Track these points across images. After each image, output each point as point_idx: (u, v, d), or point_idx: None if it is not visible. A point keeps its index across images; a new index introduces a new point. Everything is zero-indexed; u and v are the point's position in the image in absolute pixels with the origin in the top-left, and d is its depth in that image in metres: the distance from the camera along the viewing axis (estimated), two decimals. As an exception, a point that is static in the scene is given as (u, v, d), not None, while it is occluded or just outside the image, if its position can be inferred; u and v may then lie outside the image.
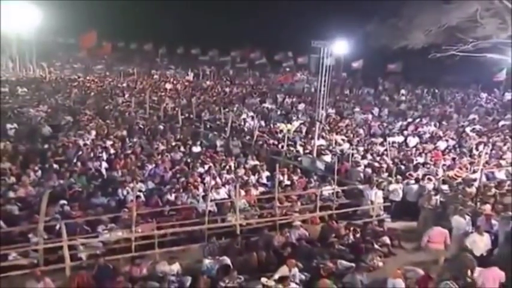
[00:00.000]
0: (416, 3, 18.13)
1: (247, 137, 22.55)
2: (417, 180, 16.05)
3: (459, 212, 13.10)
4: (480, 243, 12.21)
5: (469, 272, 10.60)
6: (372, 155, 19.99)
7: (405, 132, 25.44)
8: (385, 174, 17.03)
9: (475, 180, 16.12)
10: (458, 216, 12.99)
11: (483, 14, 18.61)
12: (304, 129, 25.61)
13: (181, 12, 67.01)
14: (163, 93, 37.54)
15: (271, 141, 21.59)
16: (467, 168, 18.45)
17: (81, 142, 20.12)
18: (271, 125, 26.31)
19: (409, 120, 29.23)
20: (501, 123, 29.01)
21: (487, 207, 13.84)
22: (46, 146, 19.51)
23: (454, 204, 13.87)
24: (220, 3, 64.09)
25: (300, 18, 55.28)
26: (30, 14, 46.53)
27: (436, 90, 43.99)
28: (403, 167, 17.77)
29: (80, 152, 18.72)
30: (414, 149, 21.85)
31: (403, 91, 43.68)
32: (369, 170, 17.53)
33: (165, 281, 10.66)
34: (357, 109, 33.30)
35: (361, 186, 15.97)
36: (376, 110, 32.92)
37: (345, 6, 46.50)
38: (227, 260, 11.52)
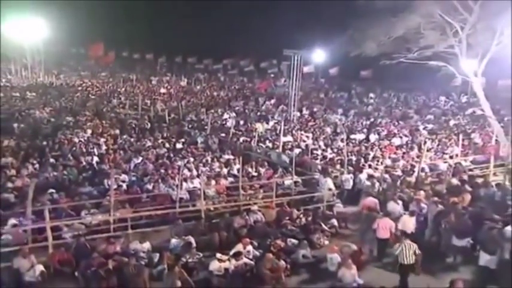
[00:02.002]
0: (369, 17, 18.66)
1: (223, 135, 22.93)
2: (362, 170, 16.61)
3: (393, 198, 13.60)
4: (410, 224, 12.77)
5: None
6: (332, 149, 20.47)
7: (365, 131, 25.90)
8: (339, 166, 17.48)
9: (414, 170, 16.68)
10: (393, 202, 13.49)
11: (425, 26, 19.11)
12: (278, 128, 26.02)
13: (180, 25, 67.90)
14: (158, 97, 37.80)
15: (243, 138, 22.03)
16: (413, 159, 19.00)
17: (76, 139, 20.50)
18: (249, 124, 26.69)
19: (372, 120, 29.73)
20: (451, 122, 29.68)
21: (421, 194, 14.29)
22: (44, 142, 19.87)
23: (391, 191, 14.34)
24: (215, 17, 65.32)
25: (284, 31, 55.88)
26: (45, 27, 47.52)
27: (401, 94, 44.73)
28: (354, 160, 18.20)
29: (74, 148, 19.09)
30: (370, 145, 22.30)
31: (371, 95, 44.32)
32: (326, 162, 18.01)
33: (135, 256, 11.10)
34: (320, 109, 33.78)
35: (316, 176, 16.43)
36: (342, 111, 33.35)
37: (321, 21, 47.36)
38: (191, 239, 11.98)
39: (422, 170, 17.05)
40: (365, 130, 26.20)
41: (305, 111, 32.97)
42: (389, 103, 40.71)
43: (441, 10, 18.84)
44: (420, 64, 21.69)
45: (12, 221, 12.22)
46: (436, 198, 13.25)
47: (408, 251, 10.43)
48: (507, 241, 11.30)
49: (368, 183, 15.34)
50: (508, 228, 11.53)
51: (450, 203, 13.12)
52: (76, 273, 10.60)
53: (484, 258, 11.21)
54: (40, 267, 10.62)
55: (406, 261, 10.43)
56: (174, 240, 12.06)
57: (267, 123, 26.80)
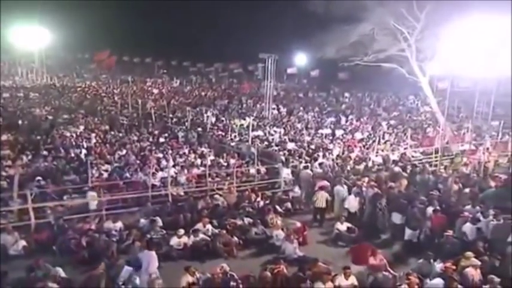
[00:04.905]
0: (327, 25, 19.49)
1: (199, 129, 23.56)
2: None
3: (339, 182, 14.37)
4: (354, 203, 13.68)
5: None
6: (296, 143, 21.16)
7: (332, 126, 26.63)
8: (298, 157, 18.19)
9: (364, 159, 17.47)
10: (339, 186, 14.26)
11: (378, 33, 19.91)
12: (254, 124, 26.63)
13: (177, 32, 68.85)
14: (150, 97, 38.29)
15: (219, 133, 22.72)
16: (367, 151, 19.75)
17: (68, 134, 21.12)
18: (228, 121, 27.32)
19: (340, 116, 30.43)
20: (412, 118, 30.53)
21: (365, 180, 15.06)
22: (39, 137, 20.49)
23: (339, 177, 15.09)
24: (208, 25, 66.37)
25: (269, 38, 56.69)
26: (52, 34, 48.49)
27: (373, 94, 45.45)
28: (311, 151, 18.93)
29: (65, 142, 19.73)
30: (335, 138, 23.01)
31: (346, 94, 45.04)
32: (288, 154, 18.73)
33: (106, 233, 11.85)
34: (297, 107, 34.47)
35: (276, 166, 17.14)
36: (316, 109, 34.03)
37: (294, 28, 48.32)
38: (157, 219, 12.69)
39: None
40: (332, 126, 26.92)
41: (282, 109, 33.68)
42: (362, 102, 41.49)
43: (392, 18, 19.58)
44: (380, 66, 22.45)
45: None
46: (373, 183, 14.00)
47: (321, 198, 13.64)
48: (428, 219, 12.15)
49: (320, 170, 16.09)
50: (430, 208, 12.39)
51: (386, 187, 13.93)
52: (54, 248, 11.34)
53: (408, 233, 12.05)
54: (23, 243, 11.38)
55: (320, 205, 13.71)
56: (142, 220, 12.77)
57: (244, 119, 27.42)
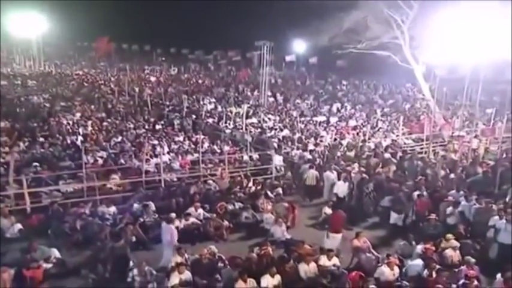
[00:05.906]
0: (320, 13, 19.59)
1: (194, 117, 23.76)
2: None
3: (329, 168, 14.67)
4: (343, 188, 13.93)
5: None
6: (289, 130, 21.39)
7: (327, 114, 26.82)
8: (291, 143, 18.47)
9: (356, 146, 17.73)
10: (329, 172, 14.56)
11: (371, 20, 20.00)
12: (249, 112, 26.82)
13: (175, 20, 68.67)
14: (147, 84, 38.39)
15: (213, 120, 22.94)
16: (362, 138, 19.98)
17: (64, 121, 21.37)
18: (224, 108, 27.49)
19: (335, 104, 30.58)
20: (407, 106, 30.69)
21: (356, 166, 15.38)
22: (36, 124, 20.73)
23: (329, 163, 15.38)
24: (206, 14, 66.29)
25: (267, 25, 56.59)
26: (52, 22, 48.64)
27: (371, 82, 45.47)
28: (303, 138, 19.18)
29: (61, 129, 19.98)
30: (329, 126, 23.22)
31: (344, 82, 45.08)
32: (280, 140, 19.00)
33: (100, 217, 12.19)
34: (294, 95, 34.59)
35: (268, 152, 17.40)
36: (313, 97, 34.17)
37: (290, 17, 48.19)
38: (150, 203, 13.00)
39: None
40: (327, 113, 27.11)
41: (279, 96, 33.82)
42: (360, 89, 41.57)
43: (386, 5, 19.65)
44: (377, 54, 22.55)
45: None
46: (362, 169, 14.30)
47: (312, 176, 14.55)
48: (414, 203, 12.47)
49: (310, 156, 16.38)
50: (415, 192, 12.70)
51: (373, 173, 14.23)
52: (49, 231, 11.68)
53: (393, 217, 12.38)
54: (19, 226, 11.71)
55: (310, 183, 14.66)
56: (135, 205, 13.10)
57: (240, 107, 27.57)
